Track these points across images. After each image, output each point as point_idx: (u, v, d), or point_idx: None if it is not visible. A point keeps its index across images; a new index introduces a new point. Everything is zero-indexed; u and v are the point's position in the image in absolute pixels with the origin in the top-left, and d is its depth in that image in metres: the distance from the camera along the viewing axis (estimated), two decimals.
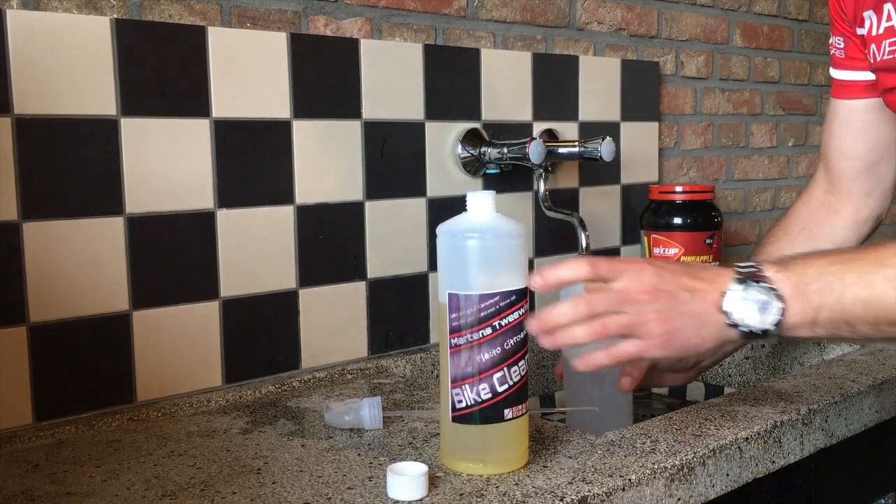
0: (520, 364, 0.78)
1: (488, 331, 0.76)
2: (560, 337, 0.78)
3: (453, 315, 0.77)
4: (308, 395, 1.07)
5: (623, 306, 0.76)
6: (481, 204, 0.79)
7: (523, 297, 0.78)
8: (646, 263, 0.78)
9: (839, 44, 1.10)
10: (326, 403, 0.96)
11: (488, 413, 0.77)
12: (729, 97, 1.80)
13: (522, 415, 0.79)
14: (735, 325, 0.76)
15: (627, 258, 0.75)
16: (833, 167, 1.17)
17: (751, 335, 0.77)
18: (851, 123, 1.12)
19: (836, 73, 1.13)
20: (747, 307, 0.75)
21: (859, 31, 1.06)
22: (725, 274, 0.77)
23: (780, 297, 0.75)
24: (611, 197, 1.53)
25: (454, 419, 0.78)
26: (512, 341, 0.77)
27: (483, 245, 0.77)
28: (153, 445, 0.89)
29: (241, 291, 1.09)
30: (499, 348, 0.77)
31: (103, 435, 0.93)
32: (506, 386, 0.77)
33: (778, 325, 0.76)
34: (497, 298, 0.77)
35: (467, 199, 0.80)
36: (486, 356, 0.77)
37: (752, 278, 0.76)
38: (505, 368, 0.77)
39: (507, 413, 0.78)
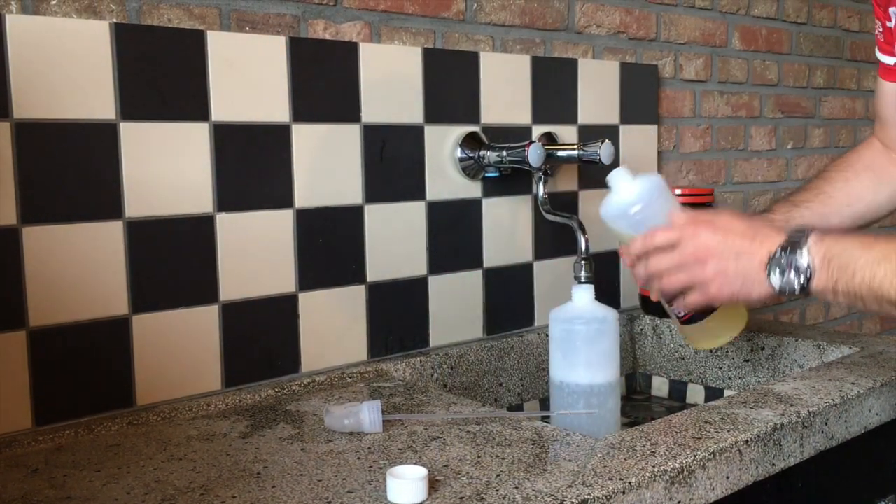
0: None
1: None
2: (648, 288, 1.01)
3: None
4: (308, 398, 1.07)
5: (683, 267, 0.94)
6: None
7: None
8: (703, 227, 0.94)
9: (879, 28, 1.11)
10: (326, 407, 0.96)
11: (697, 315, 1.06)
12: (728, 100, 1.81)
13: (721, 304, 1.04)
14: (772, 285, 0.89)
15: (690, 217, 0.97)
16: (884, 137, 1.20)
17: (783, 293, 0.90)
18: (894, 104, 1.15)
19: (878, 56, 1.14)
20: (784, 272, 0.88)
21: (888, 24, 1.06)
22: (776, 238, 0.90)
23: (811, 266, 0.87)
24: None
25: (683, 322, 1.07)
26: None
27: None
28: (153, 450, 0.89)
29: (241, 295, 1.09)
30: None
31: (103, 439, 0.93)
32: None
33: (805, 288, 0.88)
34: None
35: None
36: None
37: (795, 246, 0.88)
38: None
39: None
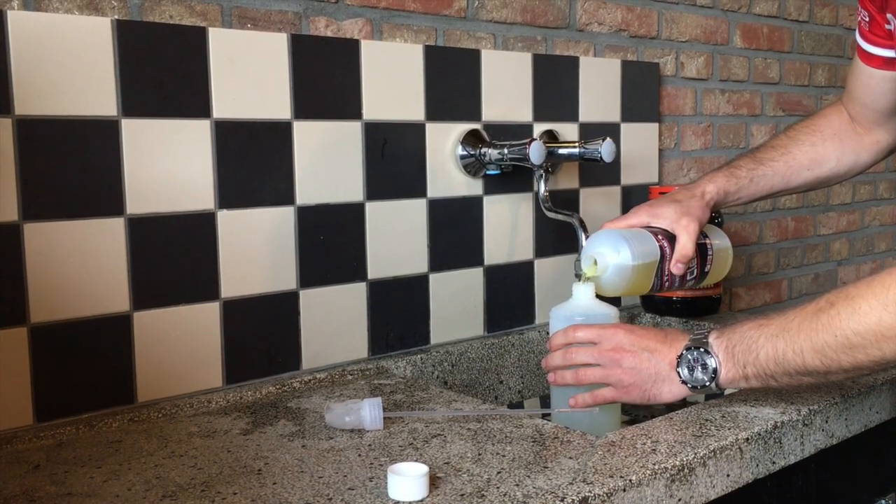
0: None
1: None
2: (557, 377, 1.04)
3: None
4: (308, 395, 1.07)
5: (598, 360, 0.99)
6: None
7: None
8: (620, 328, 1.00)
9: (866, 17, 1.11)
10: (327, 404, 0.96)
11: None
12: (729, 98, 1.81)
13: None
14: (684, 382, 0.95)
15: (608, 325, 1.04)
16: (853, 111, 1.22)
17: (696, 389, 0.95)
18: (871, 87, 1.17)
19: (859, 41, 1.15)
20: (693, 369, 0.94)
21: (886, 27, 1.06)
22: (682, 340, 0.96)
23: (716, 360, 0.92)
24: (611, 198, 1.53)
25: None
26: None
27: None
28: (154, 446, 0.90)
29: (242, 292, 1.09)
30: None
31: (104, 435, 0.94)
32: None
33: (714, 381, 0.93)
34: None
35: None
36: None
37: (698, 344, 0.94)
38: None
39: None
